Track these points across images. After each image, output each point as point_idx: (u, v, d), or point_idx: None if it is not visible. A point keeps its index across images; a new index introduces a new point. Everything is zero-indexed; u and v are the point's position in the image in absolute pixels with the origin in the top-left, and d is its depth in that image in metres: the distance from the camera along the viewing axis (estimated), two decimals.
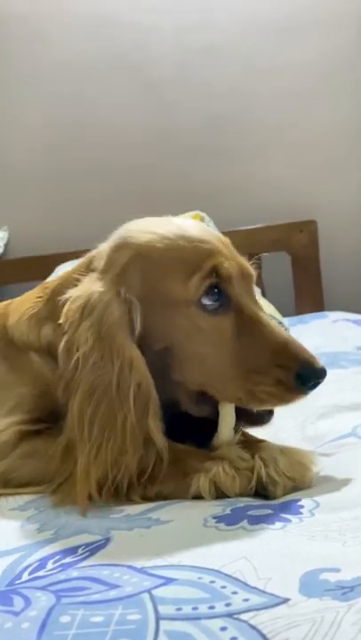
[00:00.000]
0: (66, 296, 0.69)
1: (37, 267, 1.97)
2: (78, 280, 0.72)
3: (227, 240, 0.73)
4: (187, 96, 2.11)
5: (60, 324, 0.68)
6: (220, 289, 0.68)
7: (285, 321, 1.56)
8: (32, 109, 2.15)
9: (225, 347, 0.67)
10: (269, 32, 2.08)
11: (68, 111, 2.14)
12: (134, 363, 0.65)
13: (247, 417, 0.71)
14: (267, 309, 1.50)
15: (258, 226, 2.06)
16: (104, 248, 0.73)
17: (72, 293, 0.69)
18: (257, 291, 1.82)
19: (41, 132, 2.16)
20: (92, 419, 0.64)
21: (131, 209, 2.20)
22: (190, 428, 0.72)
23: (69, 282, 0.74)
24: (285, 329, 1.49)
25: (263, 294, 1.80)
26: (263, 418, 0.71)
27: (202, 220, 1.78)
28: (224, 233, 1.98)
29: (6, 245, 2.13)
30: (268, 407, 0.69)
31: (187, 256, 0.68)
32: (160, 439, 0.65)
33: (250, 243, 2.05)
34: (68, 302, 0.68)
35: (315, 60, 2.08)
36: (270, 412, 0.71)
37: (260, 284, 1.94)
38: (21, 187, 2.17)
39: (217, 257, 0.68)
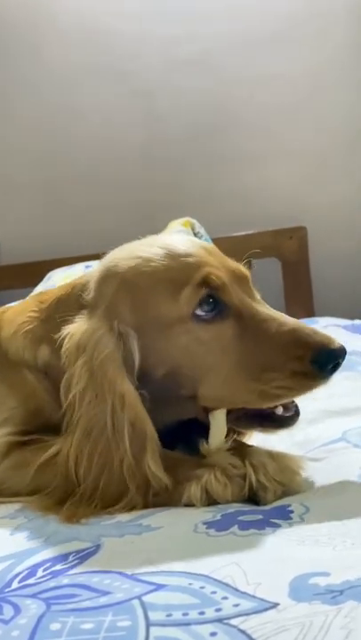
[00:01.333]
0: (64, 333, 0.69)
1: (29, 273, 1.96)
2: (70, 308, 0.72)
3: (213, 248, 0.73)
4: (176, 105, 2.13)
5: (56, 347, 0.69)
6: (214, 298, 0.67)
7: None
8: (23, 118, 2.15)
9: (230, 353, 0.66)
10: (258, 43, 2.10)
11: (59, 120, 2.15)
12: (126, 399, 0.64)
13: (270, 421, 0.70)
14: None
15: (248, 232, 2.08)
16: (93, 278, 0.72)
17: (69, 330, 0.68)
18: None
19: (32, 141, 2.16)
20: (89, 460, 0.64)
21: (122, 216, 2.23)
22: (181, 431, 0.72)
23: (64, 304, 0.75)
24: None
25: None
26: (288, 420, 0.70)
27: (192, 226, 1.79)
28: (215, 239, 2.01)
29: None
30: (286, 401, 0.68)
31: (174, 274, 0.67)
32: (160, 477, 0.64)
33: (240, 249, 2.05)
34: (66, 340, 0.68)
35: (303, 70, 2.11)
36: (295, 414, 0.70)
37: None
38: (12, 194, 2.17)
39: (204, 268, 0.67)
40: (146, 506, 0.64)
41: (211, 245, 0.73)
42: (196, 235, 1.79)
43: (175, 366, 0.68)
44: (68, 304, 0.74)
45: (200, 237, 1.80)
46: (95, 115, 2.14)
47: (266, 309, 0.68)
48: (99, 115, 2.14)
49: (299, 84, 2.12)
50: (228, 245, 1.99)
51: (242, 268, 0.72)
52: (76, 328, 0.68)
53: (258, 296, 0.71)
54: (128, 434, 0.64)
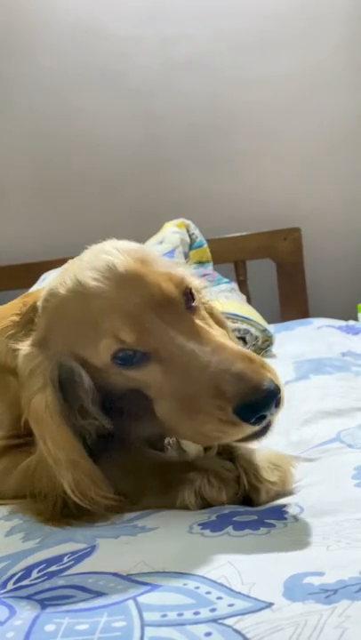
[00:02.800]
0: (18, 351, 0.68)
1: (23, 274, 1.96)
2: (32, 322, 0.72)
3: (136, 268, 0.63)
4: (173, 106, 2.13)
5: None
6: (128, 349, 0.61)
7: (271, 328, 1.57)
8: (19, 119, 2.15)
9: (165, 393, 0.62)
10: (255, 44, 2.10)
11: (54, 121, 2.14)
12: (38, 417, 0.64)
13: None
14: (252, 316, 1.52)
15: (243, 233, 2.08)
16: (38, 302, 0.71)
17: (20, 350, 0.68)
18: (242, 298, 1.84)
19: (26, 142, 2.16)
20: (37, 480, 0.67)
21: (118, 218, 2.23)
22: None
23: (30, 317, 0.74)
24: (270, 336, 1.50)
25: (248, 301, 1.81)
26: (257, 434, 0.63)
27: (187, 227, 1.79)
28: (210, 240, 2.01)
29: None
30: (225, 443, 0.65)
31: (87, 321, 0.63)
32: (109, 501, 0.64)
33: (235, 250, 2.07)
34: (18, 359, 0.68)
35: (299, 71, 2.11)
36: (266, 427, 0.60)
37: (245, 290, 1.95)
38: (8, 195, 2.17)
39: (112, 320, 0.61)
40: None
41: (130, 264, 0.63)
42: (190, 236, 1.79)
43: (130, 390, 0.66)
44: (33, 320, 0.74)
45: (195, 238, 1.80)
46: (92, 115, 2.14)
47: (192, 343, 0.60)
48: (96, 115, 2.14)
49: (294, 85, 2.12)
50: (223, 246, 2.02)
51: (166, 290, 0.62)
52: (23, 350, 0.68)
53: (192, 316, 0.63)
54: (46, 450, 0.64)
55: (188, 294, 0.65)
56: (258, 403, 0.56)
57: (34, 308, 0.74)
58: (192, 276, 0.73)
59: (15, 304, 0.83)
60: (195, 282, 0.72)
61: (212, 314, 0.73)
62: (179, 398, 0.60)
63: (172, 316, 0.61)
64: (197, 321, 0.63)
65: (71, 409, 0.66)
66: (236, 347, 0.61)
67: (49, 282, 0.72)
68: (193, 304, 0.65)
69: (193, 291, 0.66)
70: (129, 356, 0.62)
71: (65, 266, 0.71)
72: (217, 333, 0.63)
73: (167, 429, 0.65)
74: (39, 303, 0.71)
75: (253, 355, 0.59)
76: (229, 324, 1.44)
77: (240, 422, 0.57)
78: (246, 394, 0.56)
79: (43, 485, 0.66)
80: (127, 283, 0.62)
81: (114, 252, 0.64)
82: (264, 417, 0.57)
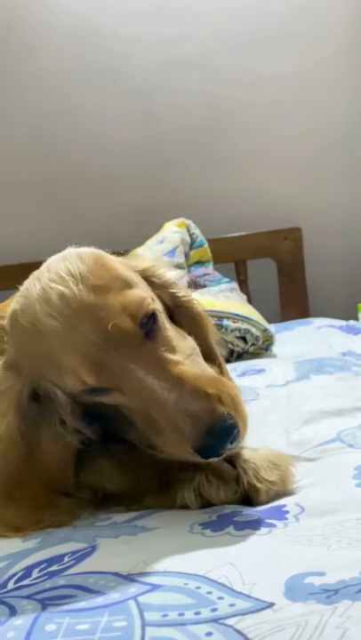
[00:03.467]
0: None
1: (23, 274, 1.95)
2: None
3: (90, 299, 0.60)
4: (173, 105, 2.13)
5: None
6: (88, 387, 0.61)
7: (271, 327, 1.57)
8: (18, 119, 2.15)
9: (131, 412, 0.62)
10: (255, 43, 2.10)
11: (54, 121, 2.14)
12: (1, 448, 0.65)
13: None
14: (252, 316, 1.52)
15: (243, 233, 2.08)
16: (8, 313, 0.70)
17: None
18: (242, 297, 1.84)
19: (27, 141, 2.16)
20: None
21: (117, 217, 2.22)
22: None
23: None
24: (270, 336, 1.50)
25: (249, 301, 1.81)
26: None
27: (188, 227, 1.79)
28: (210, 240, 2.01)
29: None
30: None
31: (50, 357, 0.61)
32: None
33: (235, 250, 2.07)
34: None
35: (299, 70, 2.11)
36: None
37: (245, 290, 1.95)
38: (8, 195, 2.17)
39: (71, 361, 0.59)
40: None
41: (83, 296, 0.60)
42: (191, 235, 1.79)
43: None
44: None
45: (195, 238, 1.80)
46: (92, 115, 2.14)
47: (151, 379, 0.59)
48: (96, 115, 2.14)
49: (294, 84, 2.12)
50: (223, 246, 2.02)
51: (122, 325, 0.59)
52: None
53: (151, 347, 0.61)
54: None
55: (148, 318, 0.62)
56: (211, 445, 0.57)
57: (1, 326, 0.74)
58: (164, 270, 0.71)
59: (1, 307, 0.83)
60: (165, 277, 0.70)
61: (189, 310, 0.72)
62: (142, 420, 0.61)
63: (130, 350, 0.60)
64: (157, 350, 0.61)
65: (52, 420, 0.66)
66: (193, 375, 0.60)
67: (14, 300, 0.69)
68: (154, 327, 0.62)
69: (155, 312, 0.63)
70: (91, 391, 0.61)
71: (26, 283, 0.67)
72: (178, 359, 0.61)
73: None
74: (5, 323, 0.69)
75: (211, 386, 0.59)
76: (229, 323, 1.45)
77: (197, 457, 0.58)
78: (200, 438, 0.57)
79: None
80: (81, 320, 0.59)
81: (68, 281, 0.61)
82: (222, 452, 0.58)
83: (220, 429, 0.57)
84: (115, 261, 0.66)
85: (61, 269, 0.63)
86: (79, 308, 0.59)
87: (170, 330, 0.65)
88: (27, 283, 0.67)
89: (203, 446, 0.57)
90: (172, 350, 0.62)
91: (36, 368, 0.64)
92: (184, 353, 0.64)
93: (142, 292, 0.63)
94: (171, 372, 0.60)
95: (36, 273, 0.67)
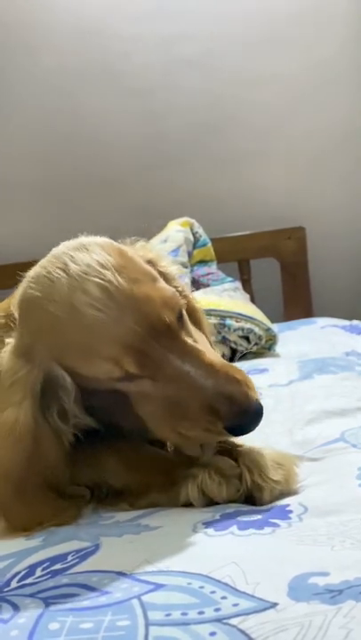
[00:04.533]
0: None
1: (26, 273, 1.96)
2: (11, 325, 0.71)
3: (134, 292, 0.63)
4: (175, 105, 2.12)
5: None
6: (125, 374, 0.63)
7: (275, 327, 1.57)
8: (21, 118, 2.15)
9: (152, 400, 0.64)
10: (257, 43, 2.10)
11: (57, 120, 2.14)
12: (8, 441, 0.65)
13: None
14: (256, 315, 1.51)
15: (247, 232, 2.08)
16: (16, 302, 0.71)
17: (2, 353, 0.68)
18: (246, 297, 1.83)
19: (29, 141, 2.16)
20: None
21: (120, 216, 2.23)
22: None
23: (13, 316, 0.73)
24: (273, 335, 1.50)
25: (252, 300, 1.81)
26: None
27: (191, 226, 1.79)
28: (213, 239, 2.00)
29: None
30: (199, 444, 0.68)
31: (84, 344, 0.63)
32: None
33: (239, 249, 2.06)
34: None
35: (301, 70, 2.10)
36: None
37: (249, 290, 1.95)
38: (10, 194, 2.17)
39: (114, 348, 0.62)
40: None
41: (128, 288, 0.63)
42: (194, 235, 1.79)
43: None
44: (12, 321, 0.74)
45: (199, 237, 1.80)
46: (93, 114, 2.14)
47: (188, 366, 0.63)
48: (97, 114, 2.14)
49: (297, 83, 2.12)
50: (227, 246, 2.02)
51: (163, 317, 0.63)
52: (4, 354, 0.68)
53: (186, 338, 0.65)
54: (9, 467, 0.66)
55: (180, 313, 0.66)
56: (246, 424, 0.63)
57: (8, 315, 0.74)
58: (166, 262, 0.74)
59: (2, 305, 0.83)
60: (168, 269, 0.74)
61: (193, 312, 0.75)
62: (166, 406, 0.64)
63: (169, 341, 0.63)
64: (189, 340, 0.65)
65: (49, 413, 0.66)
66: (222, 363, 0.65)
67: (22, 290, 0.69)
68: (182, 320, 0.67)
69: (181, 308, 0.67)
70: (125, 377, 0.63)
71: (37, 272, 0.68)
72: (204, 349, 0.66)
73: (148, 426, 0.67)
74: (15, 311, 0.70)
75: (238, 373, 0.64)
76: (232, 322, 1.45)
77: (226, 434, 0.63)
78: (238, 415, 0.62)
79: None
80: (125, 312, 0.62)
81: (103, 272, 0.63)
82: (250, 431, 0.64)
83: (254, 410, 0.63)
84: (131, 252, 0.69)
85: (90, 260, 0.64)
86: (123, 300, 0.62)
87: (189, 323, 0.70)
88: (40, 271, 0.67)
89: (237, 425, 0.62)
90: (195, 341, 0.67)
91: (55, 354, 0.65)
92: (203, 343, 0.69)
93: (171, 287, 0.68)
94: (204, 360, 0.64)
95: (51, 262, 0.67)
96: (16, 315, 0.70)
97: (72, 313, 0.63)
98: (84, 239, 0.69)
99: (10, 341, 0.69)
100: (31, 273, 0.69)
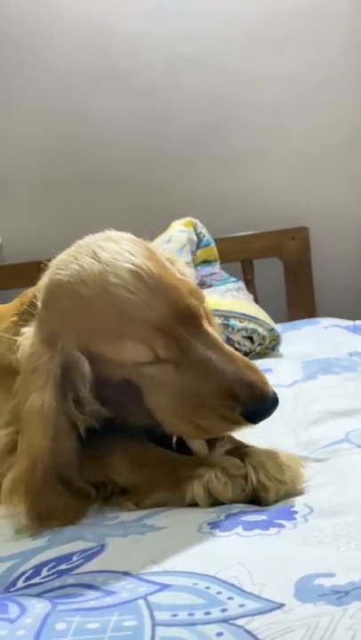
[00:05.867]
0: (19, 340, 0.70)
1: (30, 272, 1.96)
2: (30, 318, 0.72)
3: (162, 273, 0.66)
4: (177, 105, 2.12)
5: None
6: (155, 355, 0.65)
7: (278, 327, 1.57)
8: (24, 118, 2.15)
9: (170, 387, 0.66)
10: (259, 42, 2.10)
11: (59, 119, 2.14)
12: (30, 418, 0.65)
13: None
14: (259, 315, 1.51)
15: (250, 232, 2.08)
16: (41, 288, 0.72)
17: (22, 339, 0.69)
18: (249, 297, 1.83)
19: (32, 140, 2.16)
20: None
21: (123, 216, 2.22)
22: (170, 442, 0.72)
23: (30, 312, 0.74)
24: (277, 335, 1.50)
25: (256, 300, 1.81)
26: None
27: (194, 226, 1.79)
28: (217, 240, 2.00)
29: None
30: (214, 436, 0.69)
31: (114, 323, 0.65)
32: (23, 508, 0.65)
33: (242, 249, 2.06)
34: (19, 350, 0.69)
35: (304, 69, 2.10)
36: None
37: (252, 290, 1.95)
38: (14, 193, 2.17)
39: (147, 328, 0.64)
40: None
41: (158, 275, 0.66)
42: (198, 235, 1.79)
43: (125, 380, 0.68)
44: (33, 313, 0.74)
45: (202, 237, 1.80)
46: (96, 114, 2.14)
47: (210, 352, 0.66)
48: (100, 114, 2.14)
49: (300, 83, 2.11)
50: (230, 246, 2.02)
51: (190, 304, 0.67)
52: (25, 341, 0.69)
53: (208, 328, 0.68)
54: (22, 447, 0.67)
55: (202, 305, 0.69)
56: (265, 409, 0.65)
57: (31, 303, 0.75)
58: (181, 264, 0.77)
59: (14, 304, 0.84)
60: (182, 270, 0.76)
61: (205, 311, 0.76)
62: (183, 394, 0.65)
63: (194, 329, 0.66)
64: (209, 330, 0.68)
65: (66, 401, 0.67)
66: (239, 354, 0.68)
67: (48, 277, 0.71)
68: (204, 312, 0.70)
69: (204, 301, 0.70)
70: (153, 359, 0.65)
71: (65, 259, 0.70)
72: (220, 340, 0.69)
73: (157, 419, 0.68)
74: (40, 296, 0.71)
75: (255, 365, 0.67)
76: (236, 323, 1.45)
77: (243, 422, 0.65)
78: (257, 401, 0.64)
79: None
80: (157, 296, 0.65)
81: (135, 260, 0.66)
82: (263, 420, 0.66)
83: (272, 397, 0.65)
84: (154, 246, 0.72)
85: (119, 249, 0.67)
86: (154, 285, 0.65)
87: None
88: (67, 258, 0.69)
89: (255, 410, 0.64)
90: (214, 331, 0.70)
91: (79, 338, 0.66)
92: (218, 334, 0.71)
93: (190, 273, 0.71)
94: (224, 349, 0.67)
95: (78, 251, 0.69)
96: (39, 302, 0.71)
97: (104, 294, 0.65)
98: (109, 232, 0.72)
99: (26, 330, 0.70)
100: (56, 261, 0.71)
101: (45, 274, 0.72)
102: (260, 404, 0.64)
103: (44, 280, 0.72)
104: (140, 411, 0.68)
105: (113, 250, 0.67)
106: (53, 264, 0.72)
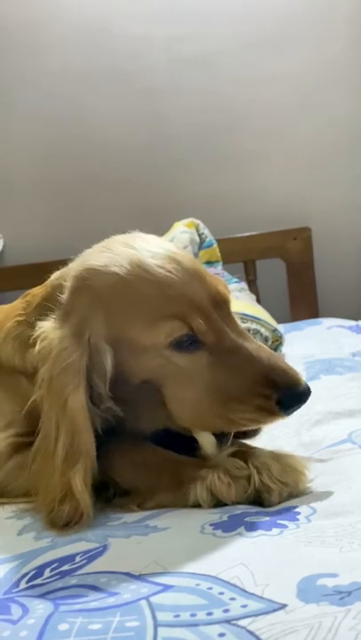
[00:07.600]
0: (37, 332, 0.69)
1: (33, 274, 1.96)
2: (52, 310, 0.71)
3: (195, 265, 0.70)
4: (180, 105, 2.13)
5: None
6: (192, 336, 0.66)
7: (281, 328, 1.57)
8: (27, 119, 2.16)
9: (202, 379, 0.66)
10: (262, 43, 2.09)
11: (62, 121, 2.15)
12: (71, 414, 0.64)
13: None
14: (261, 316, 1.51)
15: (253, 233, 2.07)
16: (67, 281, 0.71)
17: (41, 330, 0.68)
18: (252, 297, 1.82)
19: (35, 141, 2.16)
20: (34, 467, 0.67)
21: (126, 217, 2.23)
22: (177, 442, 0.72)
23: (47, 307, 0.73)
24: (280, 336, 1.50)
25: (258, 301, 1.81)
26: (254, 431, 0.71)
27: (197, 227, 1.79)
28: (219, 240, 1.99)
29: (1, 253, 2.14)
30: (249, 429, 0.69)
31: (153, 304, 0.66)
32: (83, 497, 0.63)
33: (245, 250, 2.06)
34: (38, 341, 0.68)
35: (306, 70, 2.10)
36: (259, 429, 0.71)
37: (255, 290, 1.95)
38: (16, 195, 2.18)
39: (187, 306, 0.65)
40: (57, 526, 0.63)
41: (192, 261, 0.70)
42: (200, 235, 1.79)
43: (149, 379, 0.68)
44: (51, 307, 0.73)
45: (205, 238, 1.80)
46: (99, 115, 2.14)
47: (241, 340, 0.67)
48: (104, 115, 2.14)
49: (302, 83, 2.11)
50: (233, 246, 2.01)
51: (222, 291, 0.69)
52: (47, 332, 0.68)
53: (237, 320, 0.70)
54: (64, 446, 0.64)
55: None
56: (302, 394, 0.65)
57: (45, 298, 0.74)
58: None
59: (16, 304, 0.83)
60: None
61: None
62: (216, 384, 0.65)
63: (226, 316, 0.68)
64: (237, 320, 0.70)
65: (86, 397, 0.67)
66: (264, 345, 0.69)
67: (76, 268, 0.71)
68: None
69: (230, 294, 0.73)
70: (185, 341, 0.66)
71: (93, 251, 0.71)
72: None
73: (177, 419, 0.68)
74: (68, 285, 0.70)
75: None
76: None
77: (276, 411, 0.65)
78: (294, 385, 0.65)
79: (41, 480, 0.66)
80: (193, 278, 0.67)
81: (171, 248, 0.69)
82: (297, 409, 0.66)
83: (306, 384, 0.66)
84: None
85: (150, 241, 0.70)
86: (189, 268, 0.68)
87: None
88: (97, 249, 0.71)
89: (295, 393, 0.65)
90: None
91: (112, 323, 0.66)
92: None
93: None
94: (252, 339, 0.68)
95: (108, 243, 0.71)
96: (65, 293, 0.70)
97: (142, 273, 0.66)
98: (135, 233, 0.74)
99: (44, 325, 0.69)
100: (84, 255, 0.72)
101: (69, 267, 0.73)
102: (295, 389, 0.64)
103: (70, 271, 0.71)
104: (155, 413, 0.67)
105: (145, 241, 0.70)
106: (81, 258, 0.72)
